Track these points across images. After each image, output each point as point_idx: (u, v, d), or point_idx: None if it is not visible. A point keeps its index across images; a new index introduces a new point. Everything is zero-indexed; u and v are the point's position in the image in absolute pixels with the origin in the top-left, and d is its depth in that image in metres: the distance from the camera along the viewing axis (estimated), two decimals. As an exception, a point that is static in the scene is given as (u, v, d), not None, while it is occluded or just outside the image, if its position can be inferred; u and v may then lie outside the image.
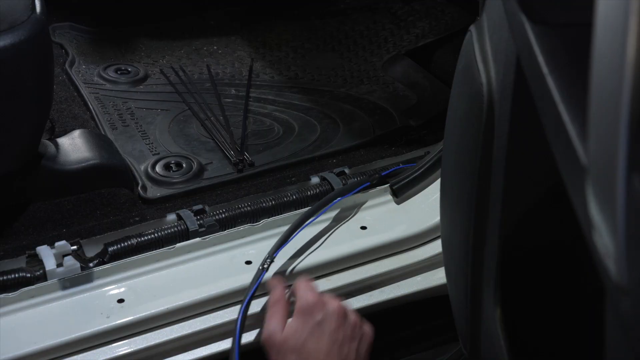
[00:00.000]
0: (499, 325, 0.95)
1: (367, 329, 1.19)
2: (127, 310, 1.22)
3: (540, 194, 0.91)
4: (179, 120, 1.74)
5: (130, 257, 1.30)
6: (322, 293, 1.20)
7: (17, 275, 1.24)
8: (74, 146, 1.49)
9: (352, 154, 1.64)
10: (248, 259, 1.32)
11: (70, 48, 1.95)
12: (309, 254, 1.33)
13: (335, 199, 1.36)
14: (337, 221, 1.40)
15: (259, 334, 1.23)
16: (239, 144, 1.65)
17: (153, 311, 1.23)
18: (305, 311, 1.15)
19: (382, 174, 1.47)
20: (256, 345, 1.27)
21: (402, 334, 1.45)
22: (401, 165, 1.51)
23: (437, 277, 1.37)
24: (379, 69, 1.93)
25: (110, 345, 1.20)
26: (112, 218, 1.42)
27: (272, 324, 1.16)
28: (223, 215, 1.39)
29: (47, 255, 1.26)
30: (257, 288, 1.25)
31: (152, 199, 1.49)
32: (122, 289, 1.26)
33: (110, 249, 1.31)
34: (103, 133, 1.66)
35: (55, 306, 1.22)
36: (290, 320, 1.16)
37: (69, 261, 1.26)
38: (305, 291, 1.18)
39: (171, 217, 1.40)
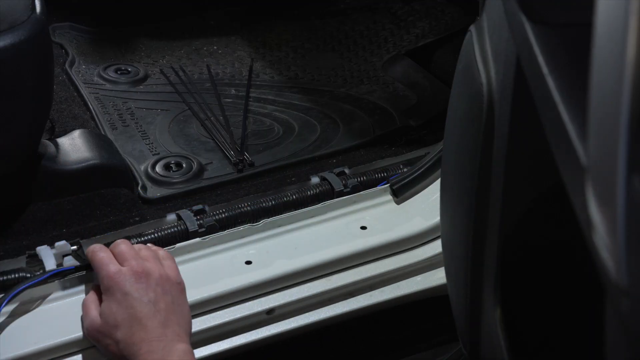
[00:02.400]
0: (499, 325, 0.95)
1: (172, 273, 1.18)
2: (127, 310, 1.22)
3: (540, 194, 0.91)
4: (179, 120, 1.74)
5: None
6: (118, 252, 1.17)
7: (17, 275, 1.24)
8: (74, 146, 1.49)
9: (352, 154, 1.64)
10: (248, 259, 1.32)
11: (70, 48, 1.95)
12: (309, 254, 1.33)
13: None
14: (337, 221, 1.40)
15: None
16: (239, 144, 1.65)
17: (153, 311, 1.23)
18: (108, 288, 1.14)
19: None
20: (253, 347, 1.28)
21: (402, 334, 1.45)
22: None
23: (437, 277, 1.37)
24: (379, 69, 1.93)
25: (110, 345, 1.20)
26: (112, 218, 1.42)
27: (88, 315, 1.15)
28: (223, 215, 1.39)
29: (47, 255, 1.26)
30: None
31: (152, 199, 1.49)
32: (122, 289, 1.26)
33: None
34: (103, 133, 1.66)
35: (55, 306, 1.22)
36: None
37: (69, 261, 1.26)
38: (100, 267, 1.16)
39: (171, 217, 1.40)
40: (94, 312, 1.15)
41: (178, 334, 1.10)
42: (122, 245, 1.19)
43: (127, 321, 1.10)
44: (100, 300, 1.16)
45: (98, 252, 1.18)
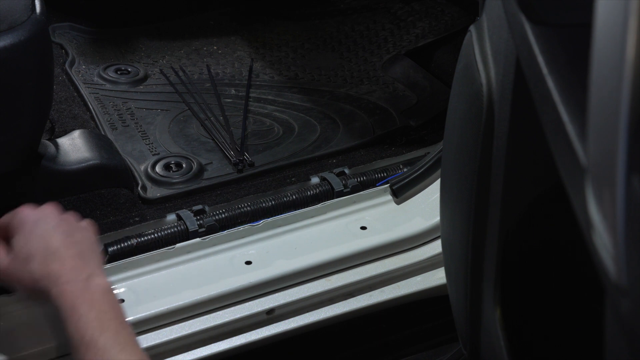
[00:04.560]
0: (499, 326, 0.95)
1: (84, 223, 1.14)
2: (127, 311, 1.21)
3: (540, 194, 0.91)
4: (179, 120, 1.74)
5: (130, 257, 1.30)
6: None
7: (17, 275, 1.24)
8: (74, 146, 1.49)
9: (352, 154, 1.64)
10: (248, 259, 1.32)
11: (70, 48, 1.95)
12: (309, 254, 1.33)
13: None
14: (337, 221, 1.40)
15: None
16: (238, 144, 1.65)
17: (153, 311, 1.24)
18: (18, 225, 1.09)
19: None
20: (253, 347, 1.28)
21: (402, 334, 1.45)
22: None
23: (437, 277, 1.37)
24: (379, 69, 1.93)
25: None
26: (112, 218, 1.42)
27: None
28: (223, 215, 1.39)
29: (47, 255, 1.25)
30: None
31: (152, 199, 1.49)
32: (122, 289, 1.26)
33: (110, 249, 1.31)
34: (103, 133, 1.66)
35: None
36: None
37: (69, 261, 1.25)
38: (12, 214, 1.12)
39: (171, 217, 1.40)
40: (1, 251, 1.09)
41: (96, 268, 1.06)
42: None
43: (41, 251, 1.05)
44: (7, 242, 1.10)
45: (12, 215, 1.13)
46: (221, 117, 1.73)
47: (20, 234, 1.08)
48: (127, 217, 1.42)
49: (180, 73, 1.89)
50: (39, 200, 1.41)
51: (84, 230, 1.12)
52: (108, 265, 1.26)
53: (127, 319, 1.03)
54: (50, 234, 1.07)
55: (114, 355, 0.96)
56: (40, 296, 1.05)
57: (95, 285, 1.03)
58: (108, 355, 0.96)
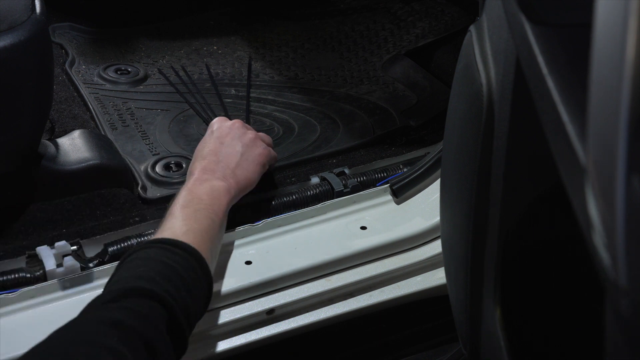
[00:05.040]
0: (499, 326, 0.95)
1: (268, 143, 1.45)
2: (127, 311, 1.22)
3: (540, 194, 0.91)
4: (179, 120, 1.74)
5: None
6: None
7: (17, 275, 1.24)
8: (74, 146, 1.49)
9: (352, 154, 1.64)
10: (248, 259, 1.32)
11: (70, 48, 1.96)
12: (309, 254, 1.33)
13: None
14: (337, 221, 1.40)
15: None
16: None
17: (153, 311, 1.23)
18: (209, 133, 1.40)
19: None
20: (253, 347, 1.28)
21: (402, 334, 1.45)
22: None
23: (437, 277, 1.37)
24: (379, 69, 1.93)
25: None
26: (112, 218, 1.42)
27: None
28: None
29: (47, 255, 1.26)
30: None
31: (152, 199, 1.49)
32: (122, 289, 1.26)
33: (110, 249, 1.31)
34: (103, 133, 1.66)
35: (55, 306, 1.22)
36: None
37: (69, 261, 1.26)
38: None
39: (171, 217, 1.40)
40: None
41: (225, 177, 1.28)
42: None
43: (199, 150, 1.36)
44: None
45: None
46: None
47: (206, 134, 1.40)
48: (127, 217, 1.42)
49: (181, 73, 1.89)
50: (39, 201, 1.42)
51: (250, 146, 1.37)
52: (108, 266, 1.26)
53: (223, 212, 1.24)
54: (212, 141, 1.36)
55: (177, 221, 1.16)
56: None
57: (207, 183, 1.25)
58: (173, 220, 1.16)
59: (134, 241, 1.33)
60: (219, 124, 1.40)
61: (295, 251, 1.34)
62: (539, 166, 0.87)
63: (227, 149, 1.34)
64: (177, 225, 1.15)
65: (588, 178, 0.60)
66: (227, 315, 1.26)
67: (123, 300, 1.00)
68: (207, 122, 1.70)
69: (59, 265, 1.25)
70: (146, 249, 1.10)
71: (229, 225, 1.38)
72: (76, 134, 1.53)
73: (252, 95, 1.83)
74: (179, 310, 1.03)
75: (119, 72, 1.89)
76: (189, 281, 1.07)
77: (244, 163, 1.34)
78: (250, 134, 1.40)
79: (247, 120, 1.72)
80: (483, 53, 0.90)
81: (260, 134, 1.44)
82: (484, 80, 0.89)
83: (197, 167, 1.29)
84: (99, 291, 1.24)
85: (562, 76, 0.68)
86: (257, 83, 1.88)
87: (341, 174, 1.49)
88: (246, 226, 1.36)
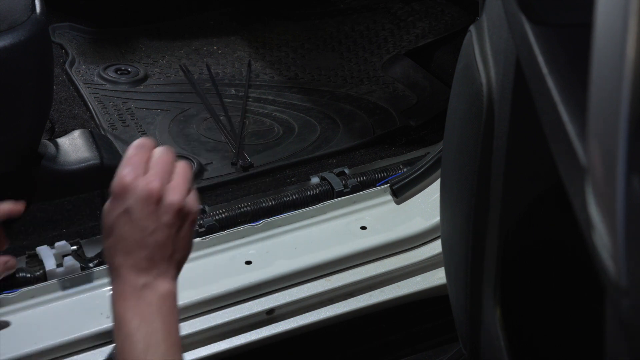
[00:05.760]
0: (499, 326, 0.95)
1: (191, 204, 1.01)
2: (127, 310, 1.22)
3: (540, 194, 0.91)
4: (179, 120, 1.74)
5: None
6: (155, 160, 1.00)
7: (17, 275, 1.24)
8: (74, 146, 1.49)
9: (352, 154, 1.64)
10: (248, 259, 1.32)
11: (70, 48, 1.95)
12: (309, 254, 1.33)
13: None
14: (337, 221, 1.40)
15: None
16: (238, 143, 1.65)
17: (153, 311, 1.23)
18: (116, 194, 0.99)
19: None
20: (253, 347, 1.28)
21: (402, 334, 1.45)
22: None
23: (437, 277, 1.37)
24: (379, 69, 1.93)
25: (110, 345, 1.20)
26: (112, 218, 1.42)
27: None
28: (223, 215, 1.39)
29: (47, 255, 1.26)
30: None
31: (152, 199, 1.49)
32: (122, 289, 1.26)
33: (110, 249, 1.31)
34: (103, 133, 1.66)
35: (55, 306, 1.22)
36: None
37: (69, 261, 1.26)
38: (122, 168, 0.99)
39: (171, 217, 1.39)
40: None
41: (164, 272, 0.97)
42: (160, 151, 1.01)
43: (116, 235, 0.97)
44: None
45: (134, 148, 1.01)
46: (222, 117, 1.73)
47: (114, 204, 0.99)
48: (127, 217, 1.42)
49: (186, 72, 1.89)
50: (39, 201, 1.42)
51: (183, 220, 0.99)
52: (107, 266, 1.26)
53: (179, 332, 0.99)
54: (133, 225, 0.97)
55: None
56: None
57: (151, 295, 0.96)
58: None
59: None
60: (134, 201, 0.98)
61: (295, 251, 1.34)
62: (539, 166, 0.87)
63: (156, 235, 0.97)
64: None
65: (588, 178, 0.60)
66: (227, 315, 1.26)
67: None
68: (224, 130, 1.69)
69: (59, 265, 1.25)
70: None
71: (229, 225, 1.38)
72: (76, 134, 1.53)
73: (252, 95, 1.83)
74: None
75: (119, 72, 1.89)
76: None
77: (182, 237, 1.00)
78: (173, 198, 0.98)
79: (241, 121, 1.72)
80: (483, 53, 0.90)
81: (173, 184, 1.00)
82: (484, 80, 0.89)
83: (124, 267, 0.96)
84: (99, 291, 1.24)
85: (562, 76, 0.68)
86: (257, 83, 1.88)
87: (341, 174, 1.49)
88: (246, 226, 1.36)
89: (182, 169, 1.02)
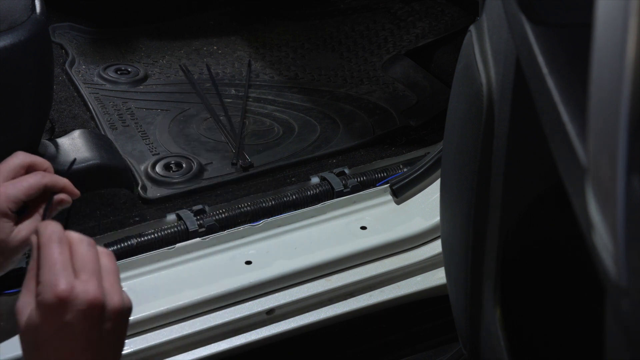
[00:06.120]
0: (499, 326, 0.95)
1: (127, 301, 0.85)
2: (127, 311, 1.22)
3: (539, 194, 0.91)
4: (179, 120, 1.74)
5: (130, 257, 1.30)
6: (79, 255, 0.82)
7: (17, 275, 1.24)
8: (74, 146, 1.49)
9: (352, 154, 1.64)
10: (248, 259, 1.32)
11: (70, 48, 1.95)
12: (309, 254, 1.33)
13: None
14: (337, 221, 1.40)
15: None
16: (238, 143, 1.65)
17: (153, 311, 1.23)
18: (49, 308, 0.80)
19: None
20: (253, 347, 1.28)
21: (402, 334, 1.45)
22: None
23: (437, 277, 1.37)
24: (379, 69, 1.93)
25: (110, 345, 1.20)
26: (112, 218, 1.42)
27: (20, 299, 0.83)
28: (223, 215, 1.39)
29: (47, 255, 1.25)
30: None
31: (152, 199, 1.49)
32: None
33: (110, 249, 1.31)
34: (103, 133, 1.66)
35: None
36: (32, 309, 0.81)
37: (69, 261, 1.25)
38: (53, 275, 0.80)
39: (171, 217, 1.40)
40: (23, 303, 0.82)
41: None
42: (82, 246, 0.83)
43: (51, 354, 0.81)
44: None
45: (51, 243, 0.82)
46: (222, 117, 1.73)
47: (40, 321, 0.81)
48: (127, 217, 1.42)
49: (181, 72, 1.89)
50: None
51: (123, 322, 0.85)
52: None
53: None
54: (70, 341, 0.81)
55: None
56: None
57: None
58: None
59: (133, 241, 1.33)
60: (75, 314, 0.79)
61: (295, 251, 1.34)
62: (539, 166, 0.87)
63: (100, 344, 0.82)
64: None
65: (588, 178, 0.60)
66: (227, 315, 1.26)
67: None
68: (224, 130, 1.69)
69: (59, 265, 1.25)
70: None
71: (229, 225, 1.38)
72: (76, 134, 1.53)
73: (252, 95, 1.83)
74: None
75: (119, 72, 1.89)
76: None
77: (119, 343, 0.85)
78: (114, 302, 0.82)
79: (241, 121, 1.72)
80: (483, 53, 0.90)
81: (107, 284, 0.83)
82: (484, 80, 0.89)
83: None
84: (99, 291, 1.24)
85: (562, 76, 0.68)
86: (257, 83, 1.88)
87: (341, 174, 1.49)
88: (246, 226, 1.36)
89: (108, 262, 0.85)
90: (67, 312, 0.80)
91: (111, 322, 0.82)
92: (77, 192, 1.09)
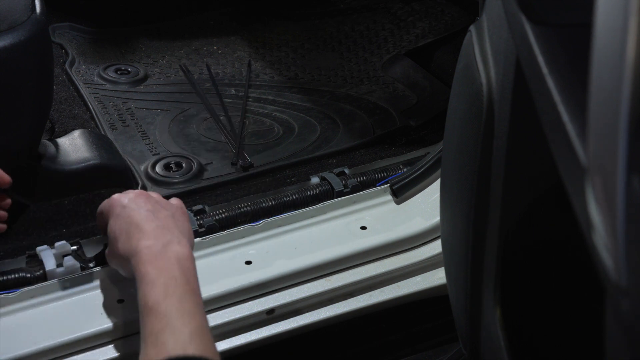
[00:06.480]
0: (499, 326, 0.95)
1: (175, 201, 1.22)
2: (127, 310, 1.22)
3: (539, 194, 0.91)
4: (179, 120, 1.74)
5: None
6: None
7: (17, 275, 1.24)
8: (74, 146, 1.49)
9: (352, 154, 1.64)
10: (248, 259, 1.32)
11: (70, 48, 1.96)
12: (309, 254, 1.33)
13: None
14: (337, 221, 1.40)
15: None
16: (238, 143, 1.65)
17: (153, 311, 1.23)
18: (109, 209, 1.17)
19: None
20: (253, 347, 1.28)
21: (402, 334, 1.45)
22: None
23: (437, 277, 1.37)
24: (379, 69, 1.93)
25: (110, 345, 1.20)
26: (112, 218, 1.42)
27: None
28: (223, 215, 1.39)
29: (47, 255, 1.26)
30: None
31: (152, 199, 1.49)
32: (122, 289, 1.26)
33: (110, 249, 1.31)
34: (103, 133, 1.66)
35: (55, 306, 1.22)
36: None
37: (69, 261, 1.26)
38: (106, 201, 1.20)
39: (171, 217, 1.40)
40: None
41: (179, 238, 1.10)
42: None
43: (124, 229, 1.11)
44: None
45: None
46: (222, 117, 1.73)
47: (111, 219, 1.15)
48: (127, 217, 1.42)
49: (181, 72, 1.89)
50: (39, 201, 1.42)
51: (170, 205, 1.18)
52: (107, 266, 1.26)
53: (199, 290, 1.06)
54: (135, 212, 1.13)
55: (172, 321, 0.98)
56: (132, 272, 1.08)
57: (171, 252, 1.06)
58: (166, 320, 0.98)
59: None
60: (119, 198, 1.18)
61: (295, 251, 1.34)
62: (539, 166, 0.87)
63: (159, 214, 1.14)
64: (175, 329, 0.98)
65: (588, 178, 0.60)
66: (227, 315, 1.26)
67: None
68: (224, 130, 1.69)
69: (59, 265, 1.25)
70: None
71: (229, 225, 1.38)
72: (76, 134, 1.53)
73: (252, 95, 1.83)
74: None
75: (119, 72, 1.89)
76: None
77: (180, 219, 1.17)
78: (153, 194, 1.22)
79: (241, 121, 1.72)
80: (483, 53, 0.90)
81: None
82: (484, 80, 0.89)
83: (142, 239, 1.09)
84: (99, 291, 1.24)
85: (562, 76, 0.68)
86: (257, 83, 1.88)
87: (341, 174, 1.49)
88: (246, 226, 1.36)
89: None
90: (122, 201, 1.16)
91: (159, 204, 1.17)
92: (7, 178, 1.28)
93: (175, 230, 1.11)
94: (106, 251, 1.19)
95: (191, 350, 0.96)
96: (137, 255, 1.07)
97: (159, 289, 1.02)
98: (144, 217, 1.11)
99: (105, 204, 1.19)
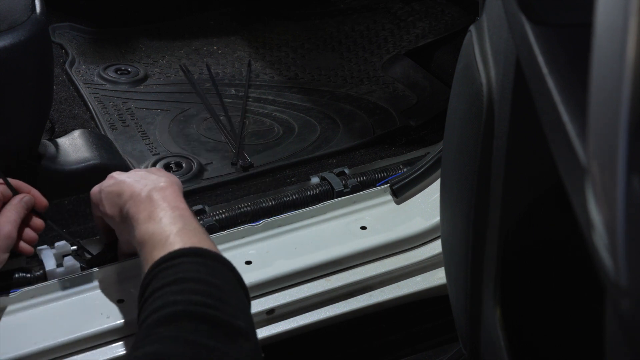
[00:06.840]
0: (499, 326, 0.95)
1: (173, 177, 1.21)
2: (127, 310, 1.22)
3: (539, 194, 0.91)
4: (179, 120, 1.74)
5: (129, 257, 1.30)
6: None
7: (17, 275, 1.24)
8: (74, 146, 1.49)
9: (352, 154, 1.64)
10: (248, 259, 1.32)
11: (70, 48, 1.96)
12: (309, 254, 1.33)
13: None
14: (337, 221, 1.40)
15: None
16: (238, 143, 1.65)
17: (153, 311, 1.23)
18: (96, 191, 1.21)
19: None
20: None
21: (402, 334, 1.45)
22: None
23: (437, 277, 1.37)
24: (379, 69, 1.93)
25: (110, 345, 1.20)
26: (112, 218, 1.42)
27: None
28: (223, 215, 1.39)
29: (47, 255, 1.26)
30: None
31: (152, 199, 1.49)
32: (122, 289, 1.26)
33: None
34: (103, 133, 1.66)
35: (55, 306, 1.22)
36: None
37: (69, 261, 1.26)
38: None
39: (171, 217, 1.39)
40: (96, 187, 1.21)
41: (164, 175, 1.16)
42: None
43: (111, 189, 1.16)
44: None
45: None
46: (222, 117, 1.73)
47: (106, 180, 1.20)
48: (127, 217, 1.42)
49: (181, 72, 1.89)
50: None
51: (160, 173, 1.19)
52: (108, 266, 1.26)
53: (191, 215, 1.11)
54: (127, 177, 1.17)
55: (166, 227, 1.05)
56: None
57: (156, 191, 1.11)
58: (160, 236, 1.05)
59: (134, 241, 1.32)
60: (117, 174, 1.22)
61: (295, 251, 1.34)
62: (539, 166, 0.87)
63: (149, 173, 1.19)
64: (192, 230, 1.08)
65: (588, 178, 0.60)
66: (227, 315, 1.26)
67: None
68: (224, 130, 1.69)
69: (59, 265, 1.25)
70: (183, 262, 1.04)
71: (229, 225, 1.38)
72: (76, 134, 1.53)
73: (252, 95, 1.83)
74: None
75: (119, 72, 1.89)
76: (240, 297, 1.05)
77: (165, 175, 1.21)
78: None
79: (241, 121, 1.72)
80: (483, 53, 0.90)
81: None
82: (484, 80, 0.89)
83: (130, 203, 1.13)
84: (99, 291, 1.24)
85: (562, 76, 0.68)
86: (257, 83, 1.88)
87: (341, 174, 1.49)
88: (246, 226, 1.36)
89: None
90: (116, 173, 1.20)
91: (154, 173, 1.18)
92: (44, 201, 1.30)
93: (159, 171, 1.19)
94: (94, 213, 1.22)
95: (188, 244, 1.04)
96: (125, 203, 1.12)
97: (152, 222, 1.07)
98: (128, 177, 1.16)
99: (94, 189, 1.22)
